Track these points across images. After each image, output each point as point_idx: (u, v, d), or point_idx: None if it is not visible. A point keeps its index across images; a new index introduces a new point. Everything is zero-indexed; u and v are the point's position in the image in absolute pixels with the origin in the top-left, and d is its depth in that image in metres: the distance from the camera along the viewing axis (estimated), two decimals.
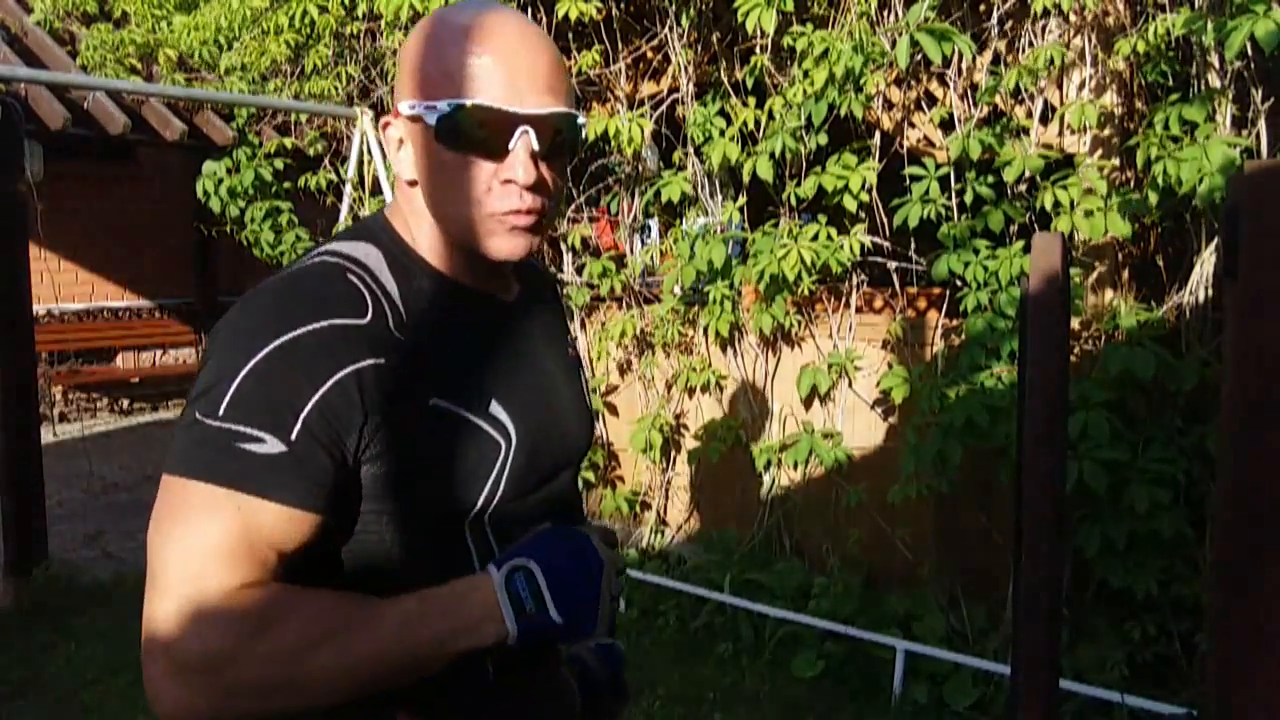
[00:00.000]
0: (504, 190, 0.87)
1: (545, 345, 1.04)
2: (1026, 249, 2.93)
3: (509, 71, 0.85)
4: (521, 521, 0.94)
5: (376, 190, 4.39)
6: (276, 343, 0.80)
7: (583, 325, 4.33)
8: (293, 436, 0.78)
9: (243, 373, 0.79)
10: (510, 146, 0.85)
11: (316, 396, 0.79)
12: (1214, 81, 2.82)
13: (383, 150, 4.39)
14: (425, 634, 0.81)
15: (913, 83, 3.37)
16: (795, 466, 3.64)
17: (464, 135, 0.85)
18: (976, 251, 3.11)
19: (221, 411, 0.78)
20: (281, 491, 0.78)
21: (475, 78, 0.85)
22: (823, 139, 3.38)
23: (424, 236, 0.94)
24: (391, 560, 0.88)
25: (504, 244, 0.89)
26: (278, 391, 0.79)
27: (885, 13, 3.27)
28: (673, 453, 4.15)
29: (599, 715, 1.10)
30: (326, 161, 4.89)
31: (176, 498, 0.79)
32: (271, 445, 0.78)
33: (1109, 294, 3.15)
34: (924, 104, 3.40)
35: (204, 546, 0.77)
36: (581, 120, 0.92)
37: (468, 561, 0.91)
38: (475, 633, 0.82)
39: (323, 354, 0.80)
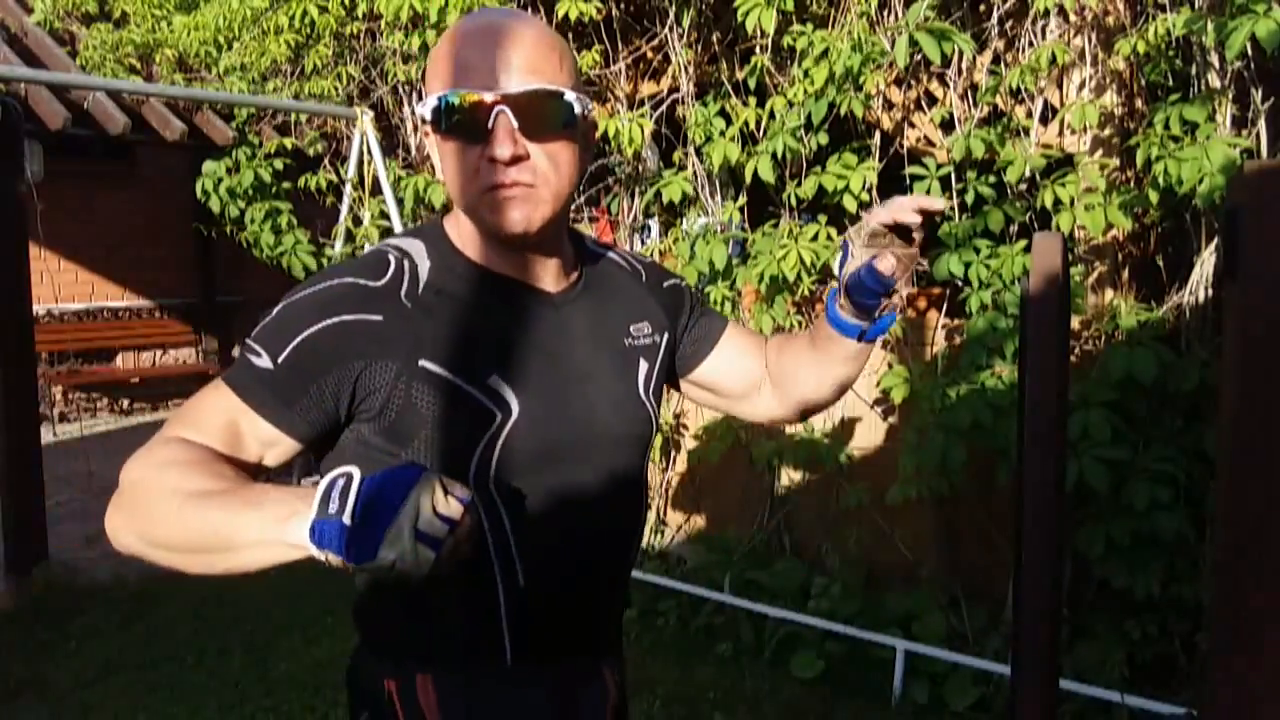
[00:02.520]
0: (490, 168, 0.95)
1: (589, 336, 1.09)
2: (1027, 248, 2.93)
3: (487, 59, 0.94)
4: (535, 499, 1.02)
5: (376, 190, 4.38)
6: (302, 293, 0.98)
7: None
8: (279, 360, 0.95)
9: (277, 308, 0.99)
10: (490, 126, 0.94)
11: (305, 334, 0.95)
12: (1214, 81, 2.82)
13: (383, 150, 4.40)
14: (256, 517, 0.84)
15: (913, 83, 3.36)
16: (795, 466, 3.64)
17: (450, 123, 0.95)
18: (977, 251, 3.11)
19: (254, 331, 0.98)
20: (252, 395, 0.96)
21: (459, 70, 0.95)
22: (823, 139, 3.38)
23: (464, 233, 1.05)
24: None
25: (500, 217, 0.97)
26: (285, 324, 0.96)
27: (885, 12, 3.26)
28: (673, 453, 4.15)
29: None
30: (326, 161, 4.89)
31: (209, 385, 1.01)
32: (265, 361, 0.96)
33: (1109, 294, 3.15)
34: (924, 104, 3.39)
35: (186, 416, 0.99)
36: (571, 96, 0.97)
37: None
38: (286, 523, 0.82)
39: (330, 303, 0.96)
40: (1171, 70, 2.85)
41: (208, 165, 5.02)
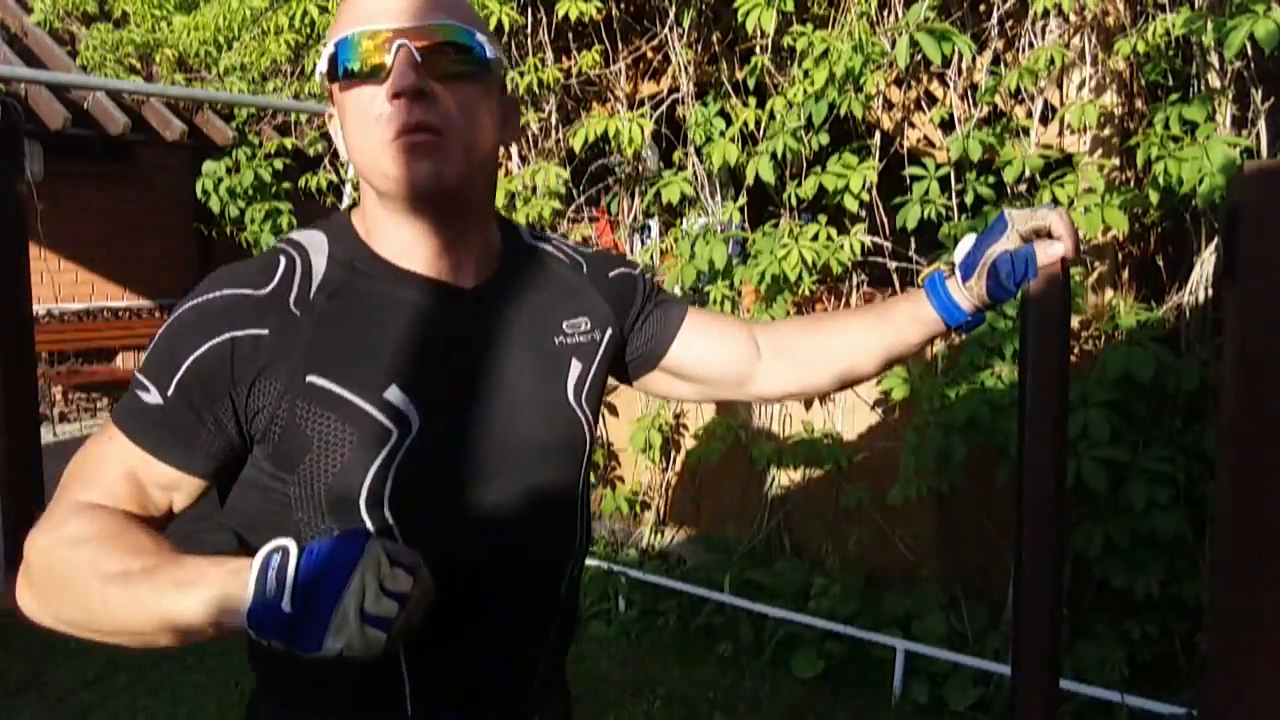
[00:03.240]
0: (392, 109, 0.85)
1: (510, 334, 0.97)
2: None
3: (386, 1, 0.86)
4: (438, 527, 0.90)
5: None
6: (185, 307, 0.88)
7: None
8: (169, 394, 0.86)
9: (161, 331, 0.89)
10: (387, 62, 0.84)
11: (190, 359, 0.85)
12: (1214, 81, 2.82)
13: None
14: (187, 597, 0.77)
15: (913, 83, 3.36)
16: (795, 466, 3.64)
17: (347, 67, 0.86)
18: None
19: (143, 361, 0.89)
20: (147, 439, 0.87)
21: (352, 14, 0.87)
22: (823, 139, 3.38)
23: (371, 221, 0.94)
24: (300, 534, 0.89)
25: (405, 169, 0.86)
26: (168, 350, 0.87)
27: (885, 13, 3.26)
28: (673, 453, 4.14)
29: None
30: (326, 161, 4.89)
31: (98, 431, 0.92)
32: (153, 397, 0.87)
33: (1109, 294, 3.15)
34: (924, 104, 3.39)
35: (84, 472, 0.89)
36: (482, 38, 0.88)
37: None
38: (219, 606, 0.76)
39: (212, 319, 0.86)
40: (1171, 70, 2.85)
41: (208, 165, 5.02)
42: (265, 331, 0.86)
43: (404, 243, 0.92)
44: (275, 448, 0.87)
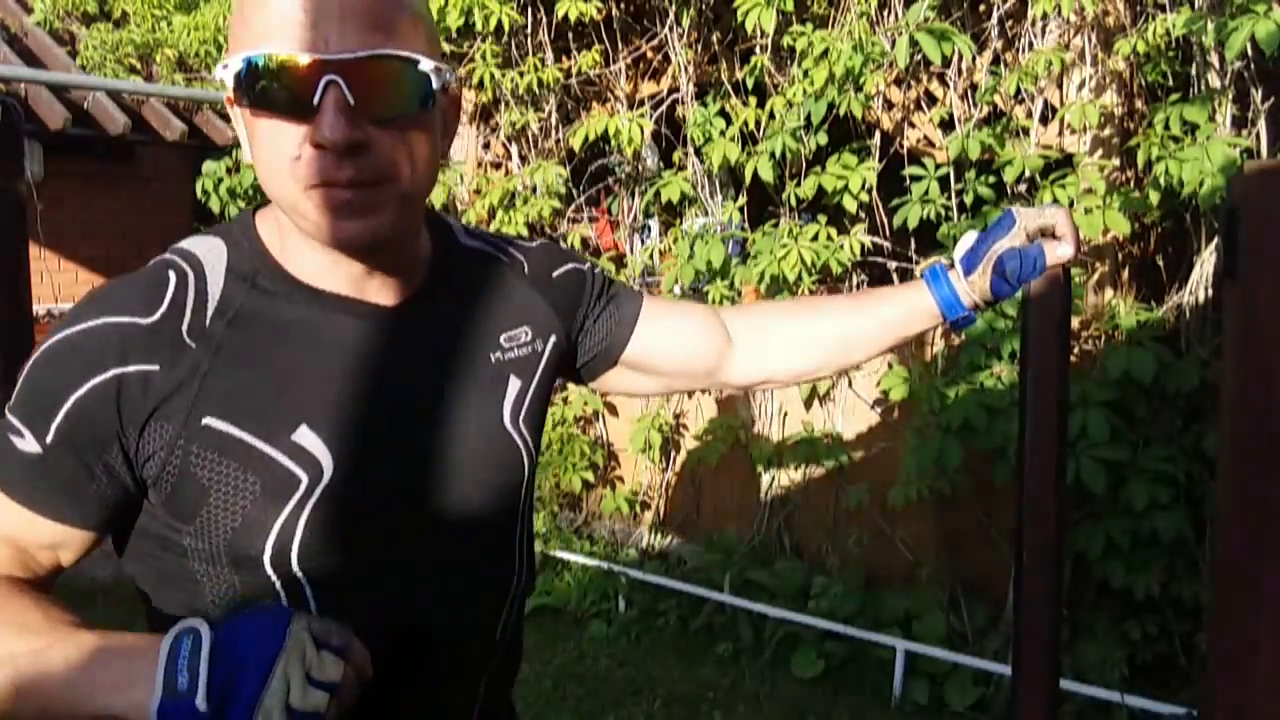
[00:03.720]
0: (317, 157, 0.71)
1: (438, 355, 0.87)
2: None
3: (308, 8, 0.69)
4: (357, 578, 0.81)
5: None
6: (58, 337, 0.75)
7: None
8: (48, 440, 0.74)
9: (32, 361, 0.75)
10: (315, 102, 0.69)
11: (70, 401, 0.73)
12: (1214, 81, 2.82)
13: None
14: (83, 684, 0.69)
15: (913, 83, 3.36)
16: (795, 466, 3.64)
17: (262, 94, 0.71)
18: None
19: (13, 399, 0.76)
20: (25, 494, 0.76)
21: (272, 20, 0.69)
22: (823, 139, 3.38)
23: (279, 228, 0.81)
24: (200, 590, 0.80)
25: (332, 226, 0.73)
26: (42, 389, 0.74)
27: (885, 13, 3.26)
28: (673, 453, 4.15)
29: None
30: None
31: None
32: (29, 444, 0.74)
33: (1109, 294, 3.15)
34: (924, 104, 3.39)
35: None
36: (428, 65, 0.73)
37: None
38: (121, 696, 0.67)
39: (89, 354, 0.74)
40: (1171, 70, 2.86)
41: (208, 165, 5.02)
42: (155, 367, 0.74)
43: (320, 264, 0.80)
44: (169, 497, 0.77)
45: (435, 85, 0.74)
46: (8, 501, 0.76)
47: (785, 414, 3.80)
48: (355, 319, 0.82)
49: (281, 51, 0.69)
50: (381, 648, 0.77)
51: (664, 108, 3.98)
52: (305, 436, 0.78)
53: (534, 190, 4.08)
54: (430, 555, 0.85)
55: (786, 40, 3.35)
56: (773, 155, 3.37)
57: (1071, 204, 2.93)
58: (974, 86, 3.23)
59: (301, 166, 0.72)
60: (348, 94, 0.69)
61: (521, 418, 0.92)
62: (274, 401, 0.78)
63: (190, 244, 0.83)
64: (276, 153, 0.73)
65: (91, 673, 0.69)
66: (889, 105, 3.45)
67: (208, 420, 0.75)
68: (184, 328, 0.76)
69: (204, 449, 0.75)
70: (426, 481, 0.84)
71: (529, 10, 3.98)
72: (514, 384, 0.91)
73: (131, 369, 0.74)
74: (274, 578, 0.78)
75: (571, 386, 4.33)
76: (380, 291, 0.83)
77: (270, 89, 0.70)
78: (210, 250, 0.81)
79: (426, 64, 0.73)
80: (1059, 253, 1.01)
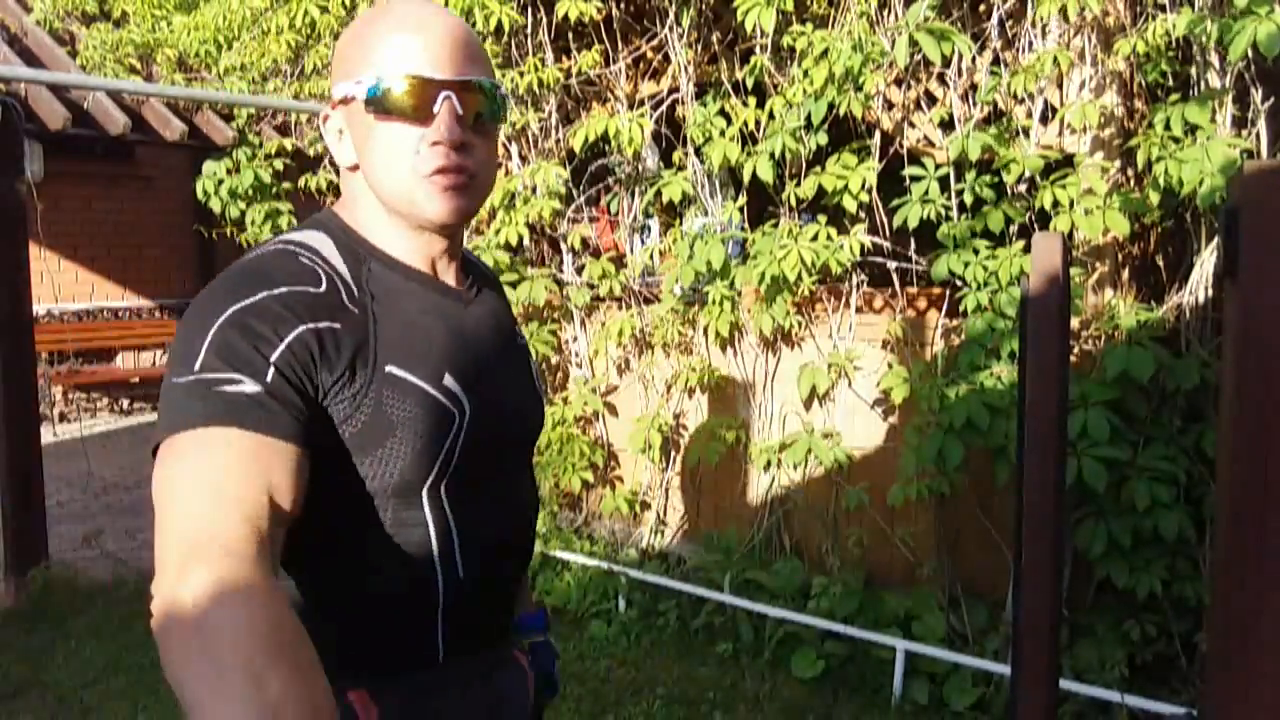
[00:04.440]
0: (432, 152, 0.93)
1: (494, 331, 1.08)
2: (1027, 249, 2.93)
3: (428, 43, 0.93)
4: (475, 498, 1.00)
5: None
6: (241, 304, 0.85)
7: (583, 325, 4.33)
8: (268, 378, 0.82)
9: (212, 332, 0.83)
10: (435, 110, 0.92)
11: (283, 346, 0.84)
12: (1214, 82, 2.82)
13: None
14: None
15: (913, 83, 3.36)
16: (795, 466, 3.64)
17: (393, 104, 0.92)
18: (976, 252, 3.11)
19: (197, 366, 0.81)
20: (265, 425, 0.81)
21: (399, 51, 0.92)
22: (823, 139, 3.38)
23: (370, 223, 1.00)
24: (353, 524, 0.94)
25: (437, 205, 0.95)
26: (247, 342, 0.83)
27: (885, 13, 3.26)
28: (673, 453, 4.15)
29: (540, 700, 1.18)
30: (326, 161, 4.89)
31: (170, 454, 0.79)
32: (249, 385, 0.81)
33: (1109, 294, 3.15)
34: (924, 104, 3.39)
35: (202, 485, 0.77)
36: (503, 91, 0.98)
37: (423, 531, 0.96)
38: None
39: (286, 312, 0.85)
40: (1171, 70, 2.86)
41: (208, 166, 5.02)
42: (338, 325, 0.89)
43: (407, 247, 1.00)
44: (358, 433, 0.90)
45: (508, 105, 0.97)
46: (242, 437, 0.79)
47: (785, 414, 3.80)
48: (440, 295, 1.01)
49: (411, 72, 0.92)
50: (485, 556, 1.01)
51: (664, 108, 3.98)
52: (449, 381, 0.96)
53: (534, 190, 4.08)
54: (514, 480, 1.09)
55: (786, 40, 3.35)
56: (772, 155, 3.37)
57: (1072, 204, 2.93)
58: (974, 86, 3.23)
59: (421, 160, 0.94)
60: (457, 106, 0.93)
61: (537, 385, 1.16)
62: (425, 354, 0.95)
63: (298, 236, 0.98)
64: (400, 150, 0.94)
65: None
66: (889, 105, 3.45)
67: (389, 368, 0.92)
68: (344, 298, 0.92)
69: (391, 392, 0.91)
70: (514, 422, 1.08)
71: (529, 10, 3.98)
72: (531, 361, 1.16)
73: (323, 325, 0.88)
74: (425, 503, 0.96)
75: (572, 386, 4.33)
76: (446, 273, 1.04)
77: (401, 100, 0.92)
78: (316, 239, 0.97)
79: (503, 89, 0.98)
80: None
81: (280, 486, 0.81)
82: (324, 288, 0.91)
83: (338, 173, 1.10)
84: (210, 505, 0.75)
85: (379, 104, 0.92)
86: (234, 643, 0.66)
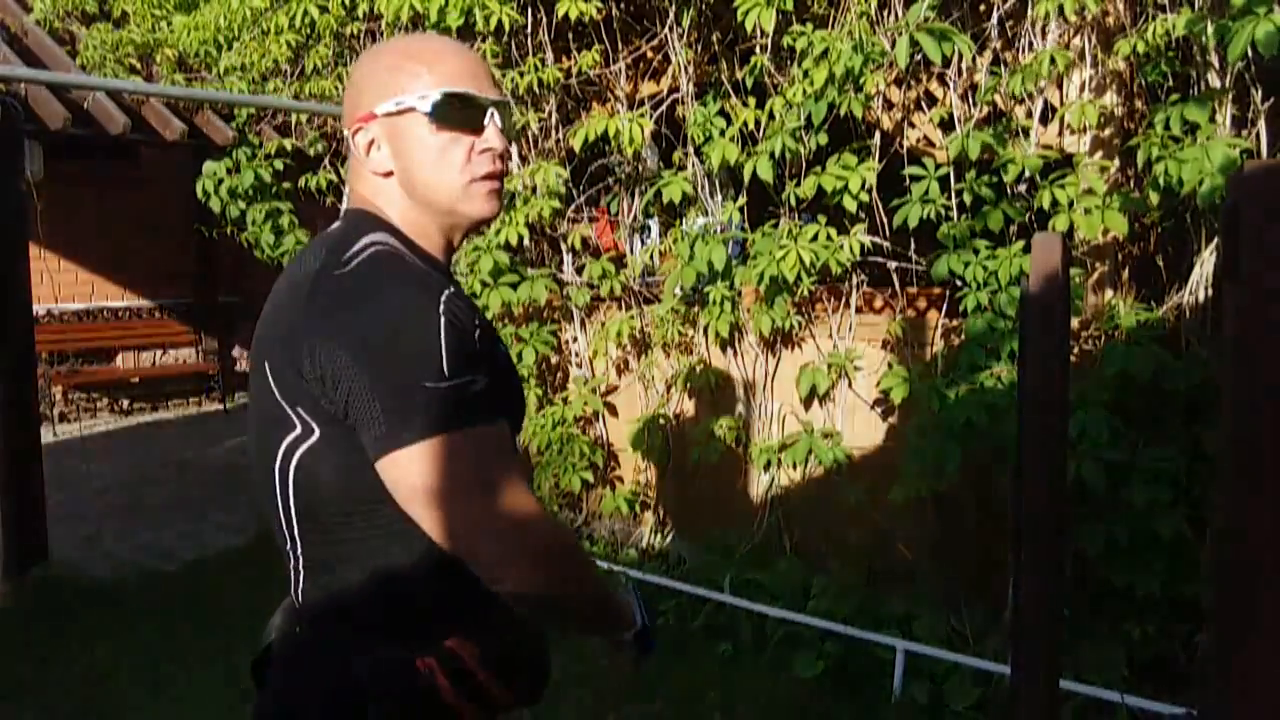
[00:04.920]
0: (482, 158, 1.11)
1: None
2: (1027, 249, 2.93)
3: (474, 68, 1.12)
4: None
5: None
6: (444, 307, 0.99)
7: (582, 325, 4.33)
8: (484, 372, 1.01)
9: (442, 337, 0.97)
10: (485, 123, 1.11)
11: (476, 343, 1.02)
12: (1214, 82, 2.82)
13: None
14: (617, 613, 1.19)
15: (913, 83, 3.37)
16: (795, 466, 3.64)
17: (453, 116, 1.09)
18: (976, 252, 3.11)
19: (448, 371, 0.97)
20: (502, 412, 1.04)
21: (455, 72, 1.10)
22: (823, 139, 3.38)
23: (403, 222, 1.13)
24: None
25: (485, 204, 1.13)
26: (466, 344, 1.00)
27: (885, 13, 3.26)
28: (673, 453, 4.15)
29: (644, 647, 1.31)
30: (326, 161, 4.89)
31: (446, 449, 0.97)
32: (480, 382, 1.00)
33: (1109, 294, 3.15)
34: (924, 104, 3.39)
35: (497, 466, 1.00)
36: (516, 113, 1.19)
37: None
38: (626, 615, 1.20)
39: (462, 310, 1.02)
40: (1171, 70, 2.86)
41: (208, 166, 5.02)
42: (476, 321, 1.05)
43: (436, 243, 1.15)
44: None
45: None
46: (500, 425, 1.03)
47: (785, 414, 3.80)
48: (456, 285, 1.13)
49: (469, 90, 1.10)
50: None
51: (664, 108, 3.98)
52: (504, 362, 1.15)
53: (534, 190, 4.08)
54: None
55: (786, 40, 3.35)
56: (772, 155, 3.37)
57: (1071, 204, 2.93)
58: (974, 86, 3.23)
59: (474, 165, 1.11)
60: (499, 120, 1.12)
61: None
62: (500, 346, 1.13)
63: (376, 238, 1.08)
64: (454, 156, 1.10)
65: (620, 607, 1.20)
66: (889, 105, 3.45)
67: (500, 360, 1.10)
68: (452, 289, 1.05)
69: (505, 376, 1.11)
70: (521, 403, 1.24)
71: (529, 10, 3.98)
72: None
73: (479, 320, 1.05)
74: None
75: (572, 386, 4.33)
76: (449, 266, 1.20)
77: (462, 113, 1.10)
78: (392, 240, 1.09)
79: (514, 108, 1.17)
80: None
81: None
82: (453, 287, 1.05)
83: (339, 175, 1.17)
84: (516, 486, 1.01)
85: (442, 115, 1.08)
86: (583, 553, 1.15)
